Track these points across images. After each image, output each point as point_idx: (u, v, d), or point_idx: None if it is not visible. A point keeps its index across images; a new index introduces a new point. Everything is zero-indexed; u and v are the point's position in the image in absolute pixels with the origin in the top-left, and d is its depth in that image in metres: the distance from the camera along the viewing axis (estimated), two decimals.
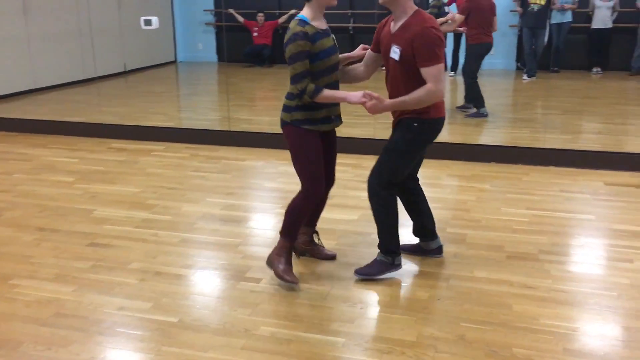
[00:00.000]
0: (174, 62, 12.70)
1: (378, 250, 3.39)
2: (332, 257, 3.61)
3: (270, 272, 3.39)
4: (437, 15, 6.83)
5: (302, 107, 3.16)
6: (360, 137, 5.77)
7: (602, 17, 9.96)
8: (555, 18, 9.96)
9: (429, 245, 3.62)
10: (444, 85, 3.10)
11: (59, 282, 3.36)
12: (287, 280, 3.25)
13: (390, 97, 3.20)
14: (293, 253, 3.41)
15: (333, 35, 3.23)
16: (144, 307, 3.11)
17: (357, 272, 3.39)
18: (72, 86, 9.67)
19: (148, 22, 6.47)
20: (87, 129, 6.67)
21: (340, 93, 3.14)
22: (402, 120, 3.22)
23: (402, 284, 3.35)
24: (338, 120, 3.35)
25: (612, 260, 3.60)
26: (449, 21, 6.92)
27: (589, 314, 3.01)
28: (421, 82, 3.03)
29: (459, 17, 6.80)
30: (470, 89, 7.13)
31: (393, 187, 3.31)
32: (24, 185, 5.03)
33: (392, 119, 3.32)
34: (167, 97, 9.70)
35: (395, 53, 3.11)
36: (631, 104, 8.35)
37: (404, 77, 3.11)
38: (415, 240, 3.66)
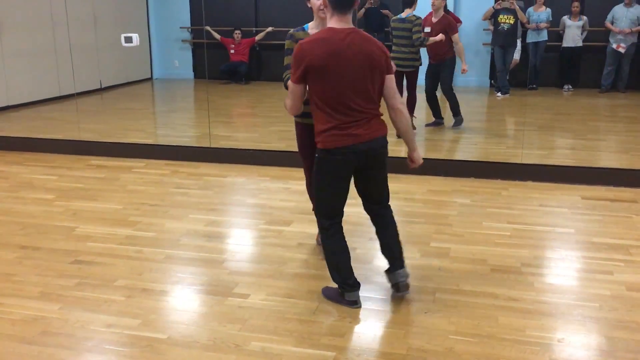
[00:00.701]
0: (150, 79, 12.65)
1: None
2: None
3: (258, 288, 3.42)
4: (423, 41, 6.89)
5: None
6: None
7: (572, 36, 10.25)
8: (532, 37, 10.24)
9: (390, 277, 3.33)
10: (290, 102, 3.10)
11: (43, 300, 3.32)
12: None
13: None
14: None
15: None
16: (132, 324, 3.08)
17: (322, 290, 3.39)
18: (47, 103, 9.58)
19: (129, 39, 6.46)
20: (65, 146, 6.60)
21: None
22: None
23: (389, 297, 3.38)
24: None
25: (593, 272, 3.68)
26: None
27: (573, 325, 3.08)
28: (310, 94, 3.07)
29: (456, 37, 7.05)
30: (451, 99, 7.29)
31: (330, 222, 3.19)
32: (3, 203, 4.95)
33: None
34: (145, 114, 9.65)
35: None
36: (602, 120, 8.57)
37: None
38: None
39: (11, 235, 4.26)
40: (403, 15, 6.82)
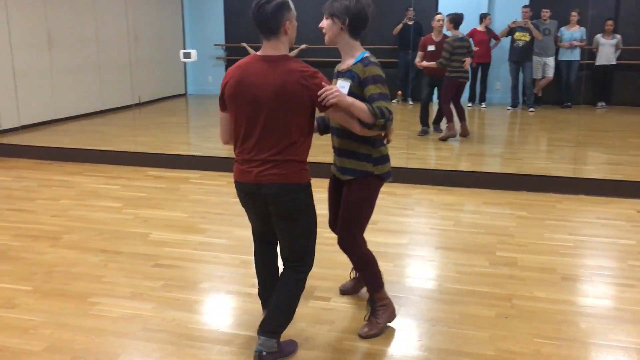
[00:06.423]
0: (184, 94, 12.91)
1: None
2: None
3: (337, 292, 3.54)
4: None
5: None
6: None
7: (606, 54, 10.38)
8: (564, 55, 10.43)
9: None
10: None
11: (136, 300, 3.46)
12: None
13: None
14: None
15: None
16: (226, 323, 3.21)
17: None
18: (90, 117, 9.85)
19: (187, 55, 6.68)
20: (121, 157, 6.80)
21: None
22: None
23: (465, 302, 3.48)
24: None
25: None
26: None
27: None
28: None
29: None
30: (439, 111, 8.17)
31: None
32: (74, 210, 5.13)
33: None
34: (186, 128, 9.87)
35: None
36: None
37: None
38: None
39: (90, 240, 4.42)
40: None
